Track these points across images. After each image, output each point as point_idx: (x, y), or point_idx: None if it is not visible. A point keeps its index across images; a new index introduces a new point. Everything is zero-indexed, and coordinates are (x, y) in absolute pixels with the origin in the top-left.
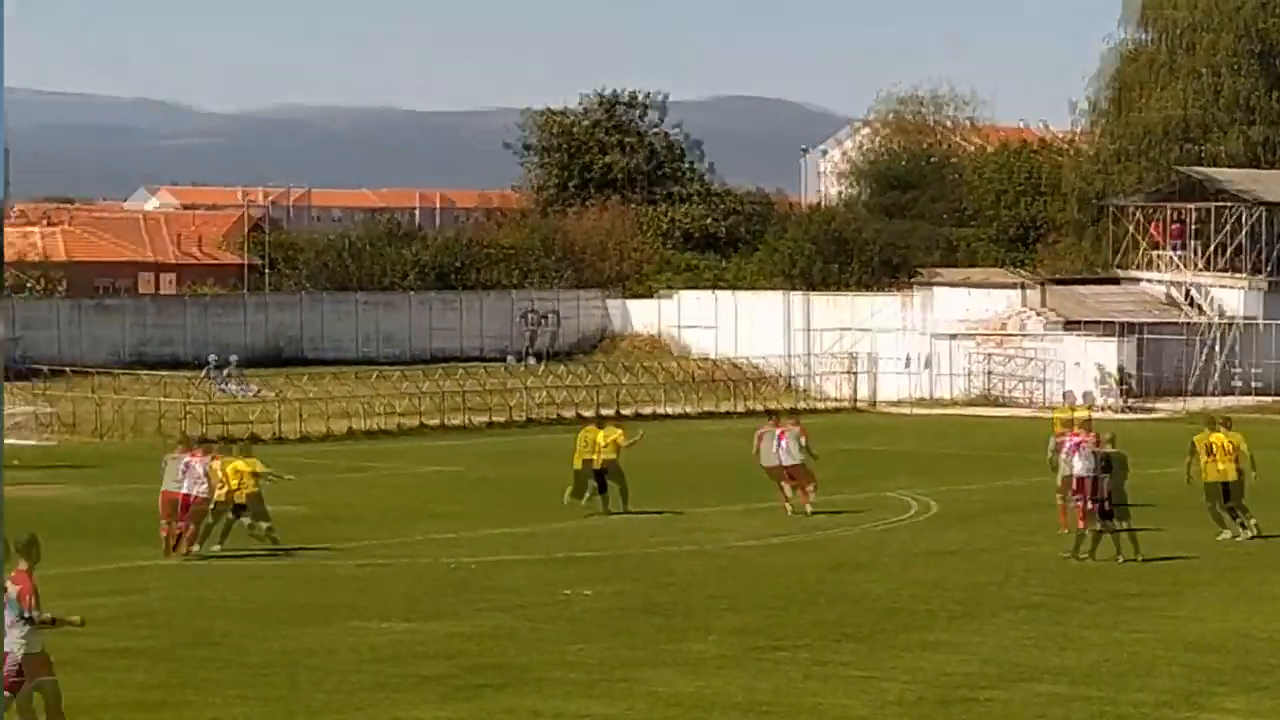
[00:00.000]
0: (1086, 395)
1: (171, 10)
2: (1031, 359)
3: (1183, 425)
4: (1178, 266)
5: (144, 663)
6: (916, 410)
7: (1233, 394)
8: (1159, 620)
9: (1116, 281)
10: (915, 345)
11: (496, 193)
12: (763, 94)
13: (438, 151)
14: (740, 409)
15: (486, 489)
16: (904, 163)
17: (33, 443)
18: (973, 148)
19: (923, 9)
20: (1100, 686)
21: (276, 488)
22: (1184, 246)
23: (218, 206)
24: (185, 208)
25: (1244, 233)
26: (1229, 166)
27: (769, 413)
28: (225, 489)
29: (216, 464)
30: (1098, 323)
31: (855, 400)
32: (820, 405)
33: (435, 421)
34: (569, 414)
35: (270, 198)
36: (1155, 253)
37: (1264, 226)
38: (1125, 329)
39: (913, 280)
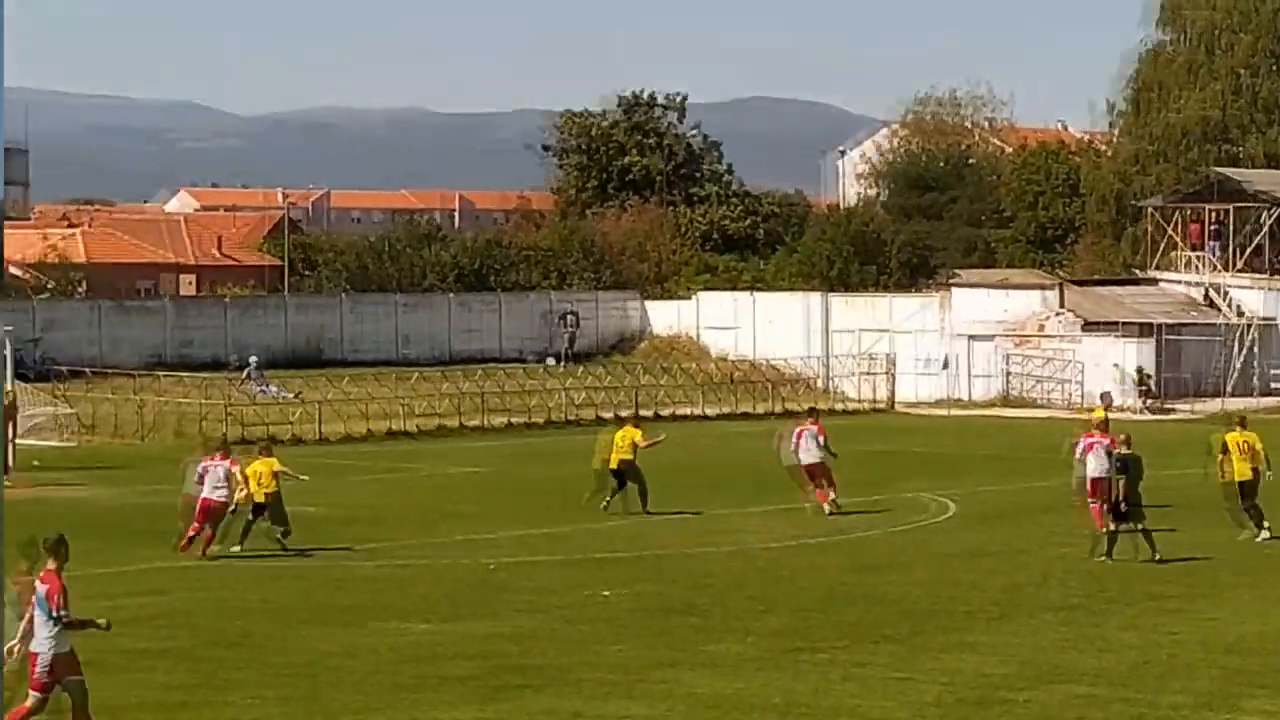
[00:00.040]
0: (1104, 396)
1: (202, 13)
2: (1050, 359)
3: (1202, 426)
4: (1197, 268)
5: (165, 663)
6: (939, 411)
7: (1252, 394)
8: (1197, 622)
9: (1138, 282)
10: (937, 346)
11: (516, 193)
12: (781, 95)
13: (460, 153)
14: (761, 410)
15: (520, 489)
16: (924, 163)
17: (53, 444)
18: (993, 148)
19: (945, 10)
20: (1138, 688)
21: (304, 488)
22: (1201, 247)
23: (238, 208)
24: (206, 209)
25: (1263, 233)
26: (1255, 167)
27: (791, 414)
28: (245, 492)
29: (235, 468)
30: (1117, 323)
31: (888, 401)
32: (841, 406)
33: (474, 422)
34: (606, 415)
35: (290, 199)
36: (1181, 253)
37: None
38: (1146, 330)
39: (934, 280)
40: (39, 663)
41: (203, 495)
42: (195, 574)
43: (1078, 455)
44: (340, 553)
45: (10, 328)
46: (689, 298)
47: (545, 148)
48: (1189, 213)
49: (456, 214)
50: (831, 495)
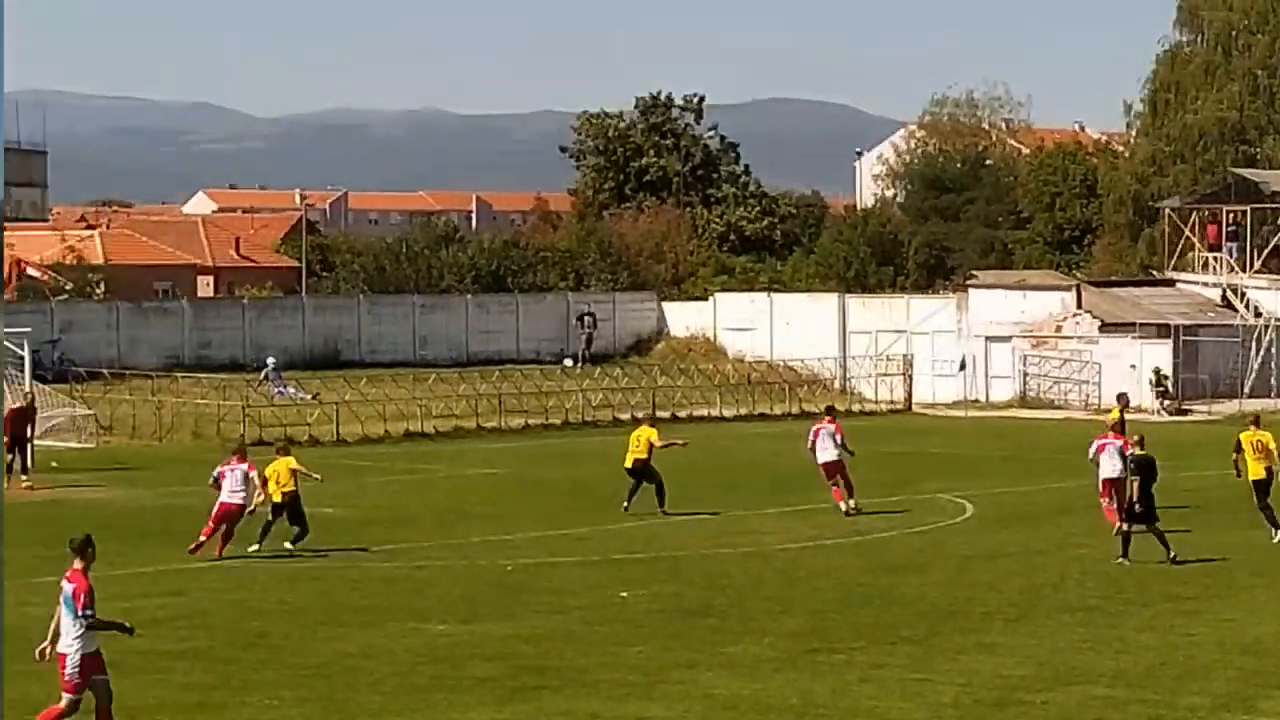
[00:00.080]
0: (1120, 397)
1: (221, 15)
2: (1066, 360)
3: (1219, 428)
4: (1214, 269)
5: (183, 664)
6: (956, 412)
7: (1270, 395)
8: (1214, 623)
9: (1156, 283)
10: (954, 347)
11: (532, 194)
12: (799, 96)
13: (478, 154)
14: (778, 411)
15: (538, 491)
16: (941, 164)
17: (71, 445)
18: (1011, 149)
19: (965, 12)
20: (1155, 690)
21: (321, 489)
22: (1219, 248)
23: (256, 209)
24: (223, 210)
25: None
26: (1272, 168)
27: (808, 415)
28: (262, 496)
29: (253, 471)
30: (1135, 324)
31: (905, 402)
32: (858, 408)
33: (491, 424)
34: (623, 416)
35: (308, 201)
36: (1198, 254)
37: None
38: (1164, 331)
39: (951, 282)
40: (69, 663)
41: (220, 499)
42: (213, 575)
43: (1090, 456)
44: (358, 554)
45: (29, 329)
46: (706, 299)
47: (563, 149)
48: (1206, 213)
49: (474, 215)
50: (849, 496)
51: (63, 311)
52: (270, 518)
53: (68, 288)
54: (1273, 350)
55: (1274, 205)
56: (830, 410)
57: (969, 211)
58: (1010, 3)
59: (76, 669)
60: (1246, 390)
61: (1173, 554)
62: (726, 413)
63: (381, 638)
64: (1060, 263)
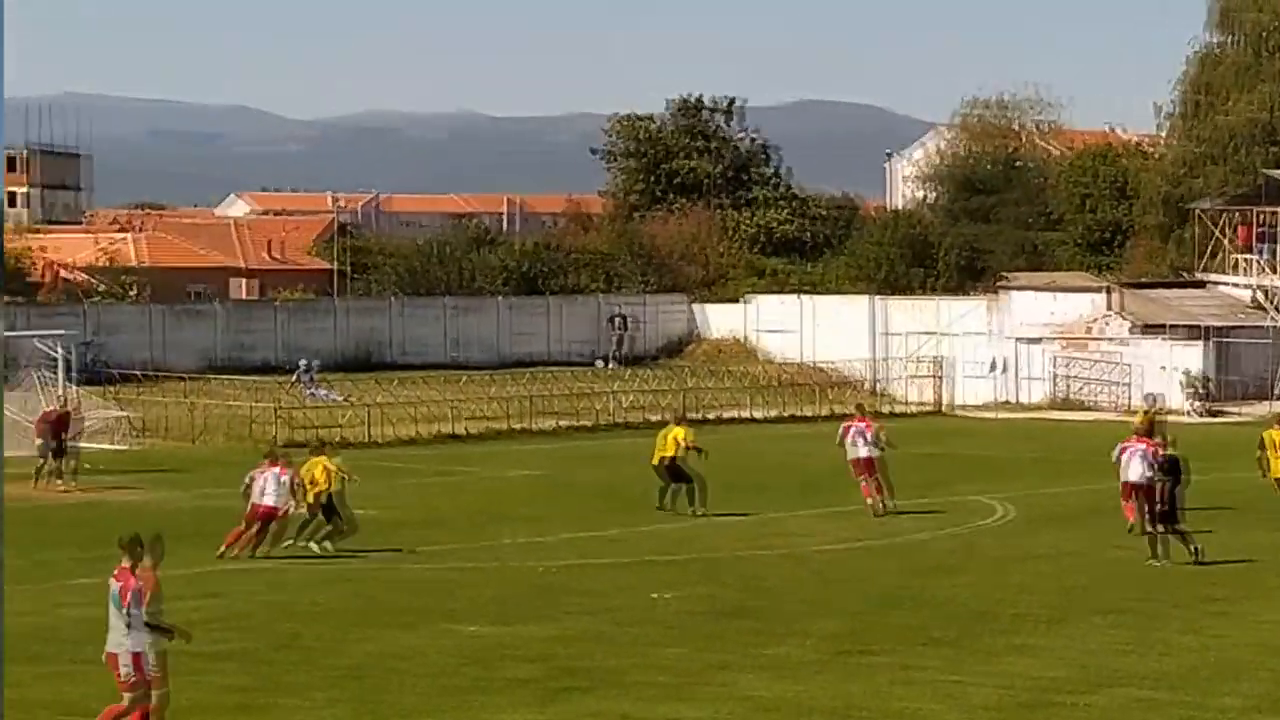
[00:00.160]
0: (1148, 398)
1: (257, 17)
2: (1099, 361)
3: (1252, 429)
4: (1245, 270)
5: (222, 666)
6: (990, 414)
7: None
8: (1246, 625)
9: (1188, 285)
10: (992, 349)
11: (564, 196)
12: (832, 98)
13: (514, 157)
14: (811, 413)
15: (571, 492)
16: (983, 165)
17: (109, 447)
18: (1050, 151)
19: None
20: (1191, 691)
21: (355, 491)
22: (1251, 250)
23: (287, 212)
24: (262, 213)
25: None
26: None
27: (843, 417)
28: (298, 504)
29: (286, 475)
30: (1167, 326)
31: (939, 404)
32: (892, 409)
33: (523, 425)
34: (655, 418)
35: (340, 202)
36: (1234, 255)
37: None
38: (1197, 332)
39: (985, 283)
40: (143, 664)
41: (252, 501)
42: (249, 577)
43: (1114, 457)
44: (391, 555)
45: (66, 331)
46: (740, 300)
47: (592, 150)
48: (1238, 215)
49: (508, 217)
50: (889, 496)
51: (99, 314)
52: (309, 516)
53: (99, 289)
54: None
55: None
56: (860, 408)
57: (1001, 213)
58: (1042, 5)
59: (131, 666)
60: (1278, 392)
61: (1195, 548)
62: (759, 414)
63: (415, 639)
64: (1093, 264)
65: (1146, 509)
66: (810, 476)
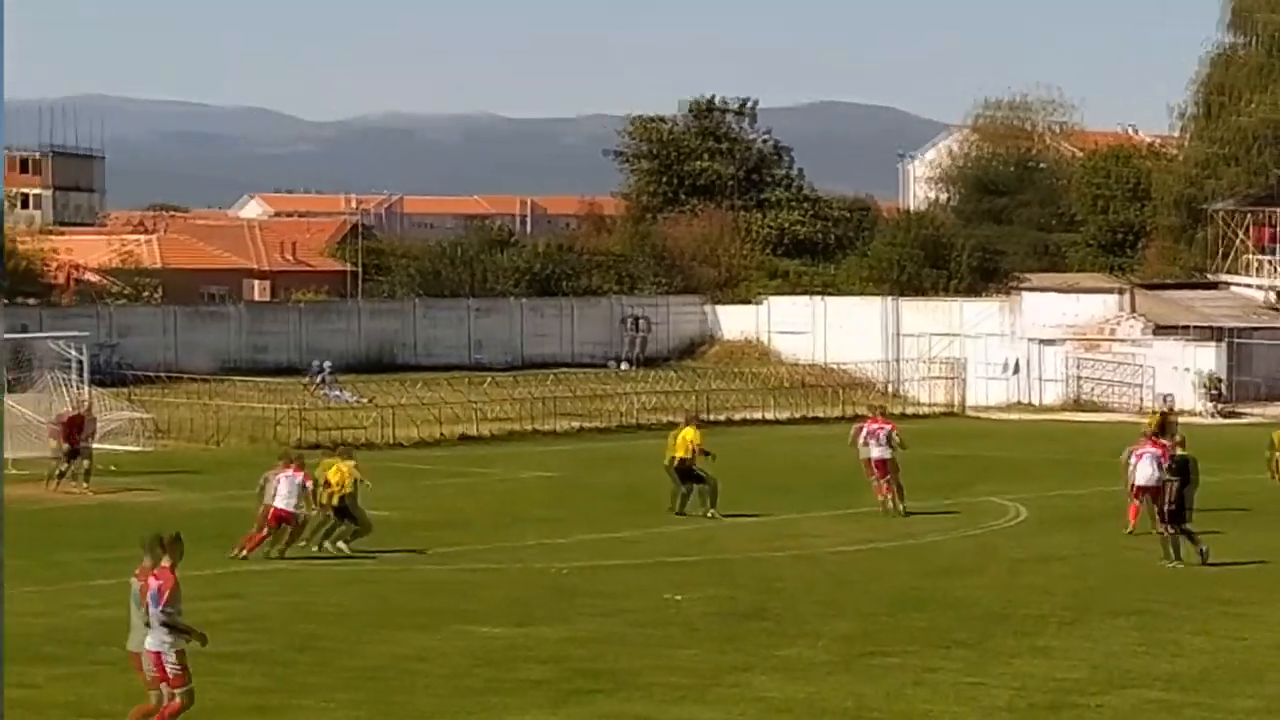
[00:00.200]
0: (1165, 398)
1: (273, 19)
2: (1117, 363)
3: (1268, 430)
4: (1262, 271)
5: (239, 667)
6: (1008, 415)
7: None
8: (1264, 627)
9: (1206, 286)
10: (1007, 350)
11: (577, 198)
12: (849, 99)
13: (531, 158)
14: (829, 414)
15: (590, 494)
16: (997, 166)
17: (127, 448)
18: (1064, 153)
19: (1013, 15)
20: (1206, 693)
21: (375, 493)
22: (1269, 250)
23: (301, 214)
24: (279, 215)
25: None
26: None
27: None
28: (316, 510)
29: (301, 477)
30: (1186, 327)
31: (957, 405)
32: (910, 410)
33: (544, 426)
34: (673, 419)
35: (356, 203)
36: (1247, 256)
37: None
38: (1215, 334)
39: (1002, 285)
40: (147, 662)
41: (266, 502)
42: (268, 578)
43: (1123, 459)
44: (411, 557)
45: (86, 333)
46: (757, 302)
47: (613, 152)
48: (1256, 216)
49: (527, 219)
50: (899, 499)
51: (118, 316)
52: (322, 518)
53: (115, 291)
54: None
55: None
56: (879, 409)
57: (1016, 214)
58: (1056, 6)
59: (154, 664)
60: None
61: (1201, 549)
62: (774, 416)
63: (434, 640)
64: (1110, 265)
65: (1156, 510)
66: (825, 478)
